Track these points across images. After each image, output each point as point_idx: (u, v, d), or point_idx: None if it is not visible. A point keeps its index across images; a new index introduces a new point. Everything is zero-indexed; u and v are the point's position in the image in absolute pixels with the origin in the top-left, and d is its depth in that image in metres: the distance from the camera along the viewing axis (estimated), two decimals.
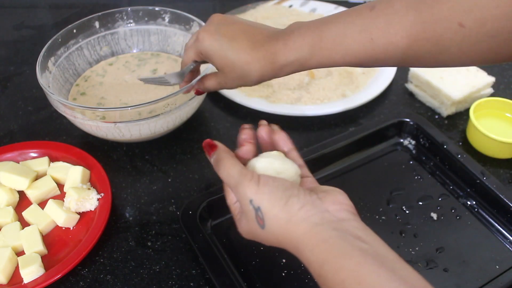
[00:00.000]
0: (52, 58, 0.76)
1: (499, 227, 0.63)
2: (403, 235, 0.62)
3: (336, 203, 0.43)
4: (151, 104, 0.62)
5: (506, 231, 0.62)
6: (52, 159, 0.70)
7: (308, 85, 0.82)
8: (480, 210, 0.65)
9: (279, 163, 0.47)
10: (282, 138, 0.51)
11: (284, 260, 0.59)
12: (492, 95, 0.82)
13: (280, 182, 0.43)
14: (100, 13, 0.80)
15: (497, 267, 0.58)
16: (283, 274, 0.58)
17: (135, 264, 0.60)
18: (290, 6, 1.04)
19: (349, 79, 0.84)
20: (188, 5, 1.09)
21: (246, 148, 0.49)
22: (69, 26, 0.78)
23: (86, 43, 0.81)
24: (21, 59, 0.95)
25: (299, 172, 0.48)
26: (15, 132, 0.79)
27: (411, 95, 0.84)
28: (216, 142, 0.48)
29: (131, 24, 0.83)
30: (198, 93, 0.62)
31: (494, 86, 0.83)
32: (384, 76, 0.84)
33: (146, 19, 0.83)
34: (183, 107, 0.67)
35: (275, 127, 0.52)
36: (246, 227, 0.45)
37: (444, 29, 0.41)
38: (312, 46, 0.48)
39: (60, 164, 0.69)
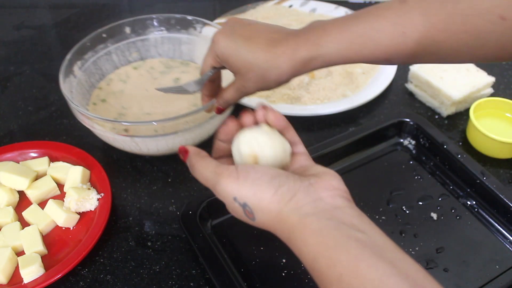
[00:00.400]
0: (79, 62, 0.74)
1: (499, 227, 0.63)
2: (403, 235, 0.62)
3: (330, 188, 0.40)
4: (169, 120, 0.60)
5: (506, 231, 0.62)
6: (52, 159, 0.70)
7: (308, 85, 0.82)
8: (480, 210, 0.65)
9: (265, 138, 0.44)
10: (274, 115, 0.47)
11: (284, 260, 0.59)
12: (492, 95, 0.82)
13: (263, 171, 0.40)
14: (131, 19, 0.79)
15: (497, 267, 0.58)
16: (283, 274, 0.58)
17: (135, 264, 0.60)
18: (290, 6, 1.04)
19: (349, 79, 0.84)
20: (188, 5, 1.09)
21: (230, 125, 0.47)
22: (99, 30, 0.76)
23: (115, 48, 0.80)
24: (21, 59, 0.95)
25: (288, 149, 0.45)
26: (15, 132, 0.79)
27: (411, 95, 0.84)
28: (188, 147, 0.46)
29: (162, 31, 0.81)
30: (219, 111, 0.58)
31: (494, 86, 0.83)
32: (384, 76, 0.84)
33: (178, 27, 0.81)
34: (204, 125, 0.64)
35: (270, 107, 0.48)
36: (239, 218, 0.44)
37: (485, 22, 0.40)
38: (338, 40, 0.46)
39: (60, 164, 0.69)
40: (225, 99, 0.56)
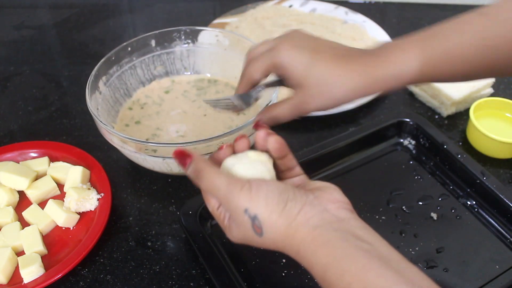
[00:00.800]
0: (104, 78, 0.72)
1: (499, 227, 0.63)
2: (403, 235, 0.62)
3: (334, 201, 0.41)
4: (204, 142, 0.59)
5: (506, 231, 0.62)
6: (52, 159, 0.70)
7: None
8: (480, 210, 0.65)
9: (244, 167, 0.44)
10: (277, 143, 0.45)
11: (284, 260, 0.59)
12: (492, 95, 0.82)
13: (274, 186, 0.41)
14: (157, 31, 0.77)
15: (497, 267, 0.58)
16: (283, 274, 0.58)
17: (135, 264, 0.60)
18: (290, 6, 1.04)
19: None
20: (188, 5, 1.09)
21: (223, 151, 0.46)
22: (124, 43, 0.74)
23: (140, 62, 0.77)
24: (21, 59, 0.95)
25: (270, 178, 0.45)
26: (15, 132, 0.79)
27: (411, 95, 0.84)
28: (191, 152, 0.43)
29: (189, 44, 0.80)
30: (259, 126, 0.48)
31: (494, 86, 0.83)
32: None
33: (204, 40, 0.80)
34: None
35: (271, 131, 0.47)
36: (239, 235, 0.42)
37: None
38: (415, 57, 0.44)
39: (60, 164, 0.69)
40: (275, 115, 0.50)
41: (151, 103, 0.77)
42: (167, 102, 0.77)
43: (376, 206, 0.65)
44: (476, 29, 0.43)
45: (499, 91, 0.84)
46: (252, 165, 0.44)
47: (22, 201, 0.66)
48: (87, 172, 0.67)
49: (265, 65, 0.48)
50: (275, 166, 0.47)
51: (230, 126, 0.71)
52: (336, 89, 0.45)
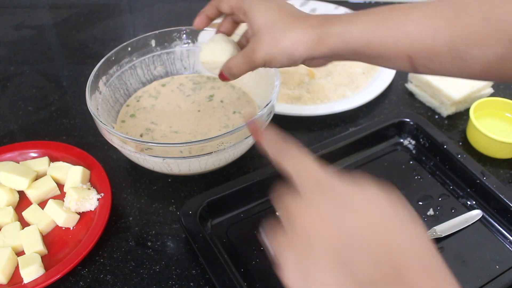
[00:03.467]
0: (104, 78, 0.72)
1: (499, 227, 0.63)
2: None
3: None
4: (202, 142, 0.59)
5: (506, 231, 0.62)
6: (52, 159, 0.70)
7: (308, 85, 0.82)
8: (480, 210, 0.65)
9: (221, 47, 0.55)
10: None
11: None
12: (492, 95, 0.82)
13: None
14: (157, 31, 0.77)
15: (497, 267, 0.58)
16: None
17: (135, 264, 0.60)
18: None
19: (349, 79, 0.84)
20: (188, 5, 1.09)
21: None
22: (124, 43, 0.74)
23: (140, 62, 0.77)
24: (21, 59, 0.95)
25: (237, 51, 0.55)
26: (15, 132, 0.79)
27: (411, 95, 0.84)
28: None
29: (189, 44, 0.80)
30: (222, 78, 0.55)
31: (494, 86, 0.83)
32: (384, 76, 0.84)
33: (204, 40, 0.78)
34: (239, 145, 0.63)
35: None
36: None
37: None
38: (365, 23, 0.45)
39: (60, 164, 0.69)
40: (230, 65, 0.53)
41: (147, 96, 0.77)
42: (163, 95, 0.77)
43: None
44: (427, 9, 0.42)
45: (499, 91, 0.84)
46: (223, 45, 0.55)
47: (22, 201, 0.66)
48: (87, 172, 0.67)
49: (234, 2, 0.52)
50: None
51: (226, 124, 0.71)
52: (284, 38, 0.47)
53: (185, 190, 0.69)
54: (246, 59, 0.50)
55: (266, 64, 0.49)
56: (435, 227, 0.61)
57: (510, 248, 0.60)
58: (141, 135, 0.70)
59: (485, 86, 0.80)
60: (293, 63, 0.49)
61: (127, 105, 0.76)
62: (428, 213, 0.64)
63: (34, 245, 0.59)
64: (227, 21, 0.58)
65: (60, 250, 0.61)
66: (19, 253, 0.60)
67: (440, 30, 0.41)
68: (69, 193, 0.63)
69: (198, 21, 0.57)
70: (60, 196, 0.67)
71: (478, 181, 0.65)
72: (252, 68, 0.51)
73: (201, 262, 0.58)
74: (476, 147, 0.74)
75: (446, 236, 0.61)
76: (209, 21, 0.57)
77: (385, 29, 0.43)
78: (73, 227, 0.63)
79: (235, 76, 0.54)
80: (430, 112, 0.81)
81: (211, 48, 0.56)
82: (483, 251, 0.60)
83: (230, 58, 0.54)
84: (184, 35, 0.79)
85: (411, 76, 0.84)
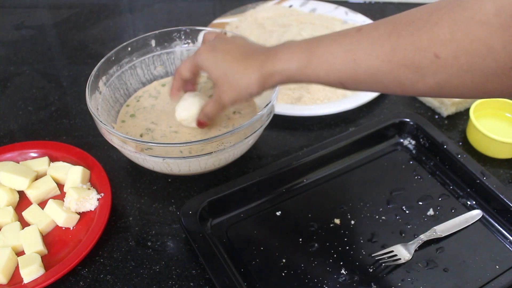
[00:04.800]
0: (104, 78, 0.72)
1: (499, 227, 0.63)
2: (403, 235, 0.62)
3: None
4: (202, 142, 0.59)
5: (506, 231, 0.62)
6: (52, 159, 0.70)
7: (308, 85, 0.82)
8: (480, 210, 0.65)
9: (192, 105, 0.64)
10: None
11: (284, 260, 0.59)
12: None
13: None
14: (157, 31, 0.77)
15: (497, 267, 0.58)
16: (283, 274, 0.58)
17: (135, 264, 0.60)
18: (290, 6, 1.04)
19: None
20: (188, 5, 1.09)
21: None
22: (124, 43, 0.74)
23: (140, 62, 0.77)
24: (21, 59, 0.95)
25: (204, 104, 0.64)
26: (15, 132, 0.79)
27: None
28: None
29: (189, 44, 0.80)
30: (200, 124, 0.65)
31: None
32: None
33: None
34: (239, 145, 0.63)
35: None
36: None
37: (422, 58, 0.41)
38: (299, 59, 0.50)
39: (60, 164, 0.69)
40: (205, 112, 0.62)
41: (147, 96, 0.77)
42: (163, 95, 0.77)
43: (376, 206, 0.65)
44: (348, 42, 0.47)
45: None
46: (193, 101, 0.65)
47: (22, 201, 0.66)
48: (87, 172, 0.67)
49: (190, 65, 0.61)
50: None
51: (226, 124, 0.71)
52: (239, 83, 0.54)
53: (185, 190, 0.69)
54: (216, 104, 0.59)
55: (235, 104, 0.58)
56: (435, 227, 0.61)
57: (510, 248, 0.61)
58: (141, 135, 0.69)
59: None
60: (255, 96, 0.55)
61: (127, 105, 0.76)
62: (428, 213, 0.64)
63: (34, 245, 0.59)
64: (189, 83, 0.66)
65: (60, 250, 0.61)
66: (19, 253, 0.60)
67: (359, 61, 0.46)
68: (69, 193, 0.63)
69: (173, 94, 0.66)
70: (60, 196, 0.67)
71: (478, 181, 0.65)
72: (224, 109, 0.60)
73: (201, 262, 0.58)
74: (476, 147, 0.74)
75: (446, 236, 0.61)
76: (181, 89, 0.66)
77: (315, 64, 0.49)
78: (73, 227, 0.63)
79: (212, 119, 0.64)
80: (430, 112, 0.81)
81: (183, 106, 0.66)
82: (483, 251, 0.60)
83: (204, 105, 0.62)
84: (184, 35, 0.79)
85: None
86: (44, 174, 0.68)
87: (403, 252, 0.59)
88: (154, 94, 0.78)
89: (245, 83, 0.54)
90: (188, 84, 0.66)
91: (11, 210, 0.64)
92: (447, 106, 0.78)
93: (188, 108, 0.65)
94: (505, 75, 0.38)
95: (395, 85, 0.45)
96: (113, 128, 0.68)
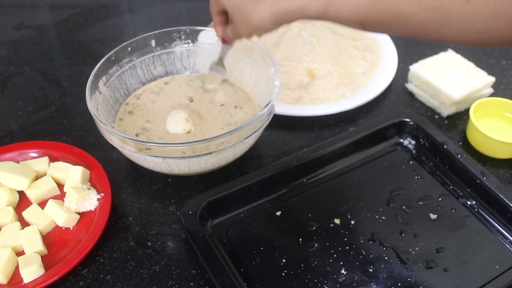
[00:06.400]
0: (104, 78, 0.71)
1: (499, 227, 0.63)
2: (403, 235, 0.62)
3: None
4: (202, 142, 0.59)
5: (506, 231, 0.62)
6: (52, 159, 0.70)
7: (308, 85, 0.82)
8: (480, 210, 0.65)
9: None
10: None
11: (284, 260, 0.59)
12: (492, 95, 0.82)
13: None
14: (157, 31, 0.77)
15: (497, 267, 0.58)
16: (283, 274, 0.58)
17: (135, 264, 0.60)
18: None
19: (349, 79, 0.84)
20: (188, 5, 1.09)
21: None
22: (124, 43, 0.74)
23: (140, 62, 0.77)
24: (21, 59, 0.95)
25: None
26: (15, 132, 0.79)
27: (411, 95, 0.84)
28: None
29: (189, 44, 0.80)
30: (224, 41, 0.66)
31: (494, 86, 0.83)
32: (384, 76, 0.84)
33: (204, 40, 0.79)
34: (239, 145, 0.63)
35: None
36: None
37: (451, 1, 0.42)
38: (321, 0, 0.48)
39: (60, 164, 0.69)
40: (227, 35, 0.63)
41: (149, 93, 0.77)
42: (164, 93, 0.77)
43: (376, 206, 0.65)
44: None
45: (499, 91, 0.84)
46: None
47: (22, 201, 0.66)
48: (87, 172, 0.67)
49: (213, 3, 0.61)
50: None
51: (229, 122, 0.71)
52: (251, 18, 0.53)
53: (185, 190, 0.69)
54: (234, 34, 0.59)
55: (251, 37, 0.57)
56: None
57: (510, 248, 0.61)
58: (136, 135, 0.70)
59: (485, 86, 0.80)
60: (272, 31, 0.54)
61: (126, 104, 0.76)
62: (429, 214, 0.64)
63: (34, 245, 0.59)
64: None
65: (60, 250, 0.61)
66: (19, 253, 0.60)
67: (386, 2, 0.45)
68: (69, 193, 0.63)
69: (222, 40, 0.66)
70: (60, 196, 0.67)
71: (478, 181, 0.65)
72: (241, 38, 0.61)
73: (201, 262, 0.58)
74: (476, 147, 0.74)
75: (446, 236, 0.61)
76: (221, 33, 0.64)
77: (337, 2, 0.47)
78: (73, 227, 0.63)
79: (232, 41, 0.64)
80: (430, 112, 0.81)
81: (171, 123, 0.70)
82: (483, 251, 0.60)
83: (227, 29, 0.62)
84: (184, 35, 0.79)
85: (411, 76, 0.84)
86: (44, 174, 0.68)
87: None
88: (157, 91, 0.78)
89: (256, 18, 0.52)
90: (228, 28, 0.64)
91: (11, 210, 0.64)
92: (447, 106, 0.78)
93: (175, 126, 0.70)
94: None
95: (419, 29, 0.45)
96: (113, 128, 0.68)
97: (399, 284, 0.57)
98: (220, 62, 0.71)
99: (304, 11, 0.49)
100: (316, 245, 0.61)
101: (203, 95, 0.77)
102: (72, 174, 0.66)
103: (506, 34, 0.42)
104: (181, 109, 0.72)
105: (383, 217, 0.64)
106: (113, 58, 0.73)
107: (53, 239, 0.62)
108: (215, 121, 0.72)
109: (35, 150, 0.71)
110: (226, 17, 0.62)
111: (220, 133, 0.62)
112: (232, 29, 0.59)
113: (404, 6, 0.44)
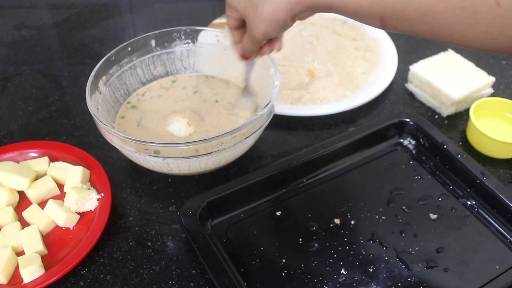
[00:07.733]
0: (104, 78, 0.71)
1: (499, 227, 0.63)
2: (403, 235, 0.62)
3: None
4: (202, 142, 0.59)
5: (506, 231, 0.62)
6: (52, 159, 0.70)
7: (308, 85, 0.82)
8: (480, 210, 0.65)
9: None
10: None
11: (284, 260, 0.59)
12: (492, 95, 0.82)
13: None
14: (157, 31, 0.77)
15: (497, 267, 0.58)
16: (283, 274, 0.58)
17: (135, 264, 0.60)
18: None
19: (349, 79, 0.84)
20: (188, 5, 1.09)
21: None
22: (124, 43, 0.74)
23: (140, 62, 0.77)
24: (21, 59, 0.95)
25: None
26: (15, 132, 0.79)
27: (411, 95, 0.84)
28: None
29: (189, 44, 0.80)
30: (244, 57, 0.62)
31: (494, 86, 0.83)
32: (384, 76, 0.84)
33: (204, 40, 0.79)
34: (239, 145, 0.63)
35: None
36: None
37: (482, 3, 0.40)
38: None
39: (60, 164, 0.69)
40: (243, 47, 0.60)
41: (159, 87, 0.78)
42: (170, 91, 0.77)
43: (376, 206, 0.65)
44: None
45: (499, 91, 0.84)
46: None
47: (22, 201, 0.66)
48: (87, 172, 0.67)
49: (227, 10, 0.58)
50: None
51: (235, 121, 0.72)
52: (263, 10, 0.51)
53: (185, 190, 0.69)
54: (250, 40, 0.57)
55: (267, 36, 0.55)
56: None
57: (510, 248, 0.61)
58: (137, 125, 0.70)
59: (485, 86, 0.80)
60: (286, 25, 0.52)
61: (128, 103, 0.76)
62: (429, 214, 0.64)
63: (34, 245, 0.59)
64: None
65: (60, 250, 0.61)
66: (19, 253, 0.60)
67: None
68: (69, 193, 0.63)
69: (236, 49, 0.62)
70: (60, 196, 0.67)
71: (478, 181, 0.65)
72: (259, 43, 0.57)
73: (201, 262, 0.58)
74: (476, 147, 0.74)
75: (446, 236, 0.61)
76: (238, 42, 0.62)
77: None
78: (73, 227, 0.63)
79: (252, 52, 0.60)
80: (430, 112, 0.81)
81: (173, 127, 0.70)
82: (483, 251, 0.60)
83: (244, 39, 0.59)
84: (184, 35, 0.79)
85: (411, 76, 0.84)
86: (44, 174, 0.68)
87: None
88: (165, 88, 0.78)
89: (269, 8, 0.50)
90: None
91: (11, 210, 0.64)
92: (447, 106, 0.78)
93: (179, 133, 0.70)
94: None
95: (443, 29, 0.43)
96: (113, 128, 0.68)
97: (399, 284, 0.57)
98: (247, 88, 0.70)
99: (321, 1, 0.48)
100: (316, 245, 0.61)
101: (205, 94, 0.77)
102: (72, 174, 0.66)
103: None
104: (179, 114, 0.72)
105: (383, 217, 0.64)
106: (113, 58, 0.73)
107: (53, 239, 0.62)
108: (212, 123, 0.72)
109: (35, 150, 0.71)
110: (243, 32, 0.60)
111: (219, 133, 0.61)
112: (247, 34, 0.57)
113: (432, 2, 0.42)
